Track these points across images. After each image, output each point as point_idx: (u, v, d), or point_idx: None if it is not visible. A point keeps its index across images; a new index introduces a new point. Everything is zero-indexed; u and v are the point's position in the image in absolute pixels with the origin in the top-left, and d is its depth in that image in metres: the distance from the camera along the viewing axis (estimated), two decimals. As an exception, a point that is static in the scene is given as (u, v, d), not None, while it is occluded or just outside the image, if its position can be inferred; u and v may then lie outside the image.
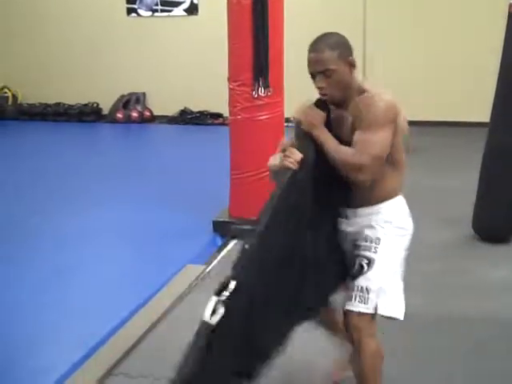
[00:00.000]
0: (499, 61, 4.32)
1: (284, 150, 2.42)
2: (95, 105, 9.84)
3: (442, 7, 8.13)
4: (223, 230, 4.79)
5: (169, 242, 4.69)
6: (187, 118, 9.37)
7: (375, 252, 2.40)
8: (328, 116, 2.40)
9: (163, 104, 9.52)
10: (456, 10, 8.08)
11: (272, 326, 2.31)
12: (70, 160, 7.39)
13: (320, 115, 2.37)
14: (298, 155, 2.32)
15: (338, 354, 2.80)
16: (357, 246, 2.44)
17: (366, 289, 2.36)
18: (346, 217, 2.49)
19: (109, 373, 3.05)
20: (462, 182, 5.49)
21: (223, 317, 2.02)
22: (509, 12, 4.21)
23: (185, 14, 9.31)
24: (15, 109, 10.04)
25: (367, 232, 2.43)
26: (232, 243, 4.63)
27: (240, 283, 2.08)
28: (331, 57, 2.31)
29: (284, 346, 2.36)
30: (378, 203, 2.44)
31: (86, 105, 9.82)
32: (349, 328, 2.40)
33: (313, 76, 2.37)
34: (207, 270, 4.24)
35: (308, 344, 2.85)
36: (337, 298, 2.57)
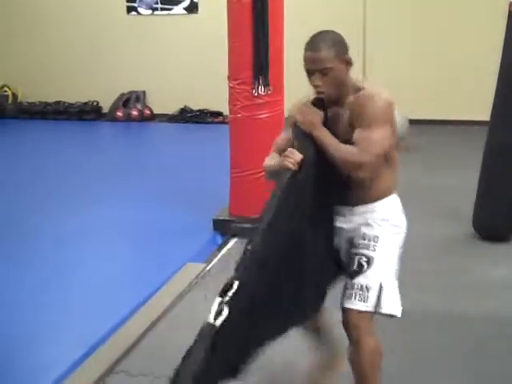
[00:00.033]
0: (499, 59, 4.32)
1: (280, 150, 2.43)
2: (95, 103, 9.83)
3: (441, 5, 8.12)
4: (223, 228, 4.79)
5: (169, 240, 4.70)
6: (187, 116, 9.36)
7: (374, 250, 2.41)
8: (325, 114, 2.40)
9: (163, 102, 9.51)
10: (456, 9, 8.07)
11: (272, 326, 2.31)
12: (69, 158, 7.39)
13: (318, 114, 2.38)
14: (297, 156, 2.32)
15: (314, 357, 2.77)
16: (354, 244, 2.45)
17: (366, 287, 2.37)
18: (343, 214, 2.49)
19: (109, 371, 3.06)
20: (461, 180, 5.49)
21: (227, 318, 2.02)
22: (509, 11, 4.21)
23: (185, 12, 9.31)
24: (15, 107, 10.03)
25: (364, 230, 2.44)
26: (232, 241, 4.63)
27: (242, 283, 2.08)
28: (328, 55, 2.32)
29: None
30: (374, 201, 2.45)
31: (86, 103, 9.82)
32: (347, 326, 2.40)
33: (309, 74, 2.37)
34: (207, 268, 4.24)
35: (288, 346, 2.74)
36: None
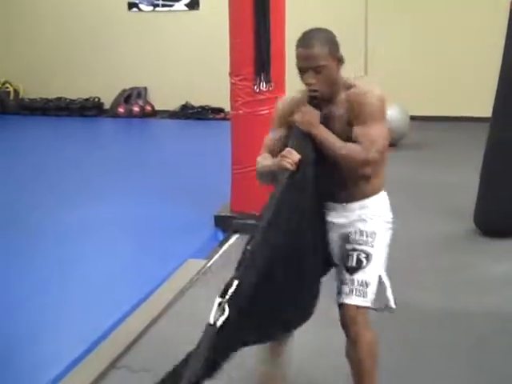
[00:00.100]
0: (500, 56, 4.32)
1: (270, 151, 2.46)
2: (97, 99, 9.83)
3: (443, 2, 8.11)
4: (224, 224, 4.79)
5: (170, 236, 4.70)
6: (188, 112, 9.36)
7: (372, 246, 2.43)
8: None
9: (164, 99, 9.51)
10: (458, 5, 8.06)
11: (270, 327, 2.31)
12: (71, 154, 7.39)
13: (316, 114, 2.38)
14: (295, 156, 2.31)
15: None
16: (350, 240, 2.46)
17: (366, 282, 2.38)
18: (335, 210, 2.50)
19: (111, 366, 3.06)
20: (462, 176, 5.49)
21: (227, 318, 2.01)
22: (510, 9, 4.20)
23: (186, 8, 9.30)
24: (17, 104, 10.04)
25: (360, 226, 2.45)
26: (233, 238, 4.63)
27: (242, 283, 2.08)
28: (322, 53, 2.32)
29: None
30: (367, 197, 2.47)
31: (87, 99, 9.82)
32: (345, 321, 2.40)
33: (301, 71, 2.37)
34: (208, 264, 4.25)
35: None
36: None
